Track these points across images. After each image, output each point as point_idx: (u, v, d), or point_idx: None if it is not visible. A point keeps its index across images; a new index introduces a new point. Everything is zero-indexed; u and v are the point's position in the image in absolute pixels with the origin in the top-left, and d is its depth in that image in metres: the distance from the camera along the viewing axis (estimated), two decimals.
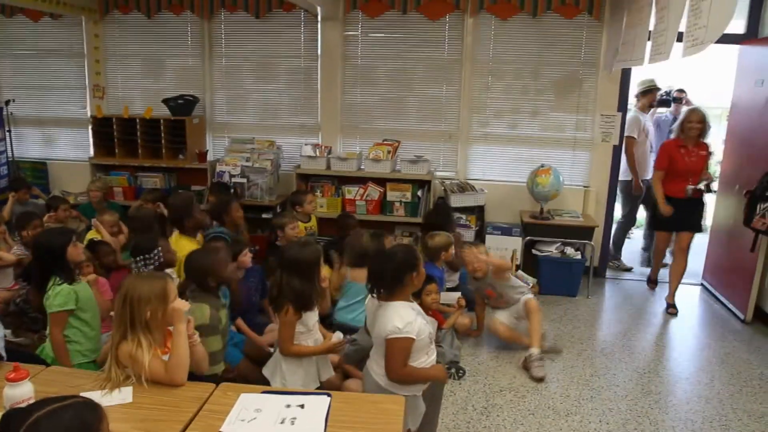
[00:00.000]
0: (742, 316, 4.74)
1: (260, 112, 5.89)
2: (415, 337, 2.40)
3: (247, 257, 3.68)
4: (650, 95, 5.63)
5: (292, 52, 5.70)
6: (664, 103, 6.12)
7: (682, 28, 3.41)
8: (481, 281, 4.12)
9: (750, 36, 5.10)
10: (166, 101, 5.61)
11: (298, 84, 5.76)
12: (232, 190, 5.20)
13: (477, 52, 5.43)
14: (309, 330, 2.82)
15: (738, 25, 5.15)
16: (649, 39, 4.04)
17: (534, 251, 5.15)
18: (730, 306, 4.95)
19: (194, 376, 2.23)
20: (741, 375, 3.84)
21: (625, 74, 5.31)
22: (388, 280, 2.49)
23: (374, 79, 5.65)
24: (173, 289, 2.24)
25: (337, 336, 2.90)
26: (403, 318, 2.41)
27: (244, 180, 5.40)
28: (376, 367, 2.55)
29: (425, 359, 2.49)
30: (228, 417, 1.88)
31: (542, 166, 5.14)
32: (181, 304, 2.20)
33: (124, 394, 2.02)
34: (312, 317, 2.84)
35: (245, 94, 5.88)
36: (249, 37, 5.70)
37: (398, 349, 2.40)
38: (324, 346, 2.86)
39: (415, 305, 2.57)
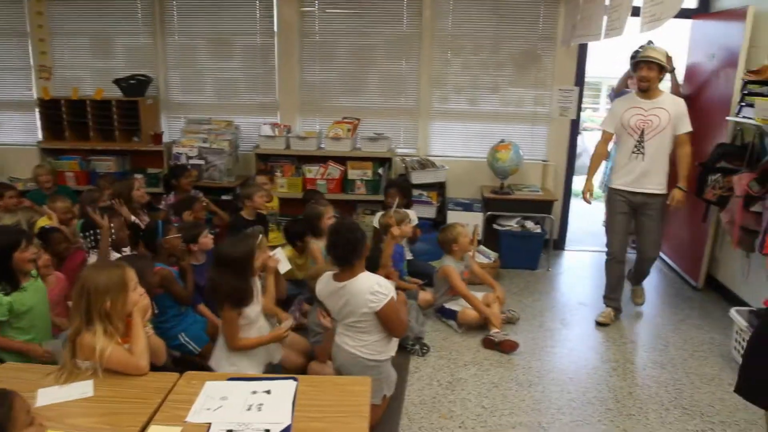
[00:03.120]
0: (694, 284, 4.92)
1: (217, 91, 5.76)
2: (394, 295, 2.63)
3: (207, 239, 3.63)
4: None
5: (248, 29, 5.56)
6: None
7: (639, 2, 3.46)
8: (459, 264, 4.15)
9: (702, 10, 5.20)
10: (117, 81, 5.43)
11: (255, 62, 5.65)
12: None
13: (436, 27, 5.40)
14: (251, 322, 2.78)
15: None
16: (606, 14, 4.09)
17: (495, 226, 5.21)
18: (684, 274, 5.12)
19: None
20: (693, 340, 3.99)
21: (582, 49, 5.36)
22: (352, 252, 2.62)
23: (333, 56, 5.58)
24: (132, 277, 2.19)
25: (286, 324, 2.90)
26: (376, 282, 2.61)
27: (202, 161, 5.31)
28: (350, 341, 2.70)
29: None
30: (193, 406, 1.86)
31: (502, 141, 5.18)
32: (137, 296, 2.17)
33: (84, 388, 1.98)
34: (254, 309, 2.78)
35: (200, 72, 5.74)
36: (202, 13, 5.54)
37: (393, 310, 2.63)
38: (270, 336, 2.83)
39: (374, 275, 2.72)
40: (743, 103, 4.04)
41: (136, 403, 1.91)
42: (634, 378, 3.51)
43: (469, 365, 3.58)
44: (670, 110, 3.82)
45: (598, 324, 4.17)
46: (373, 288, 2.57)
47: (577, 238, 6.11)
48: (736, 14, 4.54)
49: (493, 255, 4.94)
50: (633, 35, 3.85)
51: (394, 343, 2.84)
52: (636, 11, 3.59)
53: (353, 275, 2.61)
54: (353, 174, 5.34)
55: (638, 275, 4.39)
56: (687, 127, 3.89)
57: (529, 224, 5.17)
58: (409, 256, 4.59)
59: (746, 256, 4.24)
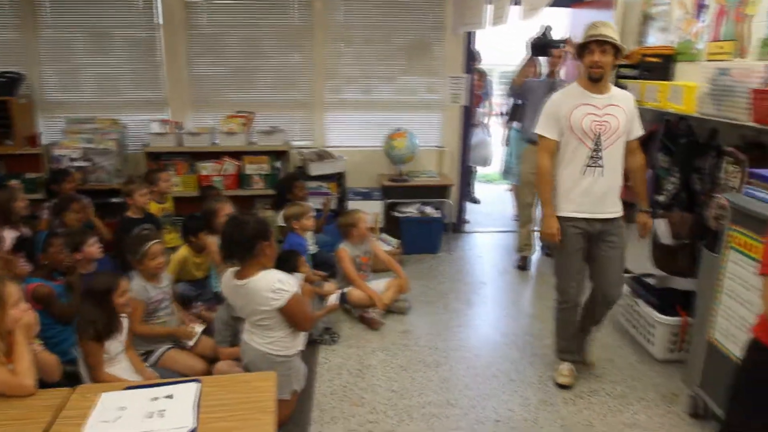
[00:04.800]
0: None
1: (99, 88, 5.43)
2: (296, 289, 2.59)
3: (94, 248, 3.43)
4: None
5: (129, 21, 5.27)
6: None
7: None
8: (358, 249, 4.18)
9: (578, 0, 5.51)
10: None
11: (139, 56, 5.37)
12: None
13: (327, 18, 5.38)
14: (111, 358, 2.65)
15: None
16: (491, 3, 4.25)
17: (395, 213, 5.30)
18: None
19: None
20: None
21: (470, 37, 5.53)
22: (240, 249, 2.57)
23: (223, 49, 5.42)
24: (12, 292, 2.04)
25: (197, 329, 2.84)
26: (277, 279, 2.56)
27: (87, 163, 5.01)
28: (256, 338, 2.67)
29: None
30: (88, 420, 1.77)
31: (397, 129, 5.26)
32: (19, 312, 2.02)
33: None
34: (114, 345, 2.66)
35: (79, 68, 5.37)
36: (78, 4, 5.19)
37: (297, 305, 2.61)
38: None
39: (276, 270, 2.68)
40: (617, 86, 4.32)
41: (24, 424, 1.78)
42: (533, 349, 3.70)
43: (377, 351, 3.64)
44: (624, 108, 2.98)
45: (561, 386, 3.26)
46: (274, 286, 2.53)
47: (475, 220, 6.36)
48: (607, 3, 4.85)
49: (395, 242, 5.03)
50: (515, 23, 4.03)
51: (302, 337, 2.83)
52: (518, 0, 3.77)
53: (254, 273, 2.57)
54: (250, 169, 5.23)
55: (589, 322, 3.35)
56: (640, 129, 3.10)
57: (428, 209, 5.30)
58: (313, 249, 4.57)
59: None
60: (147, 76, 5.42)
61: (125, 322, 2.76)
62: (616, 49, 2.88)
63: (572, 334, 3.31)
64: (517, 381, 3.33)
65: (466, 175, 6.85)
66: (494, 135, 6.84)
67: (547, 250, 5.15)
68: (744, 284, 2.57)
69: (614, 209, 3.07)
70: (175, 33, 5.27)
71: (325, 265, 4.46)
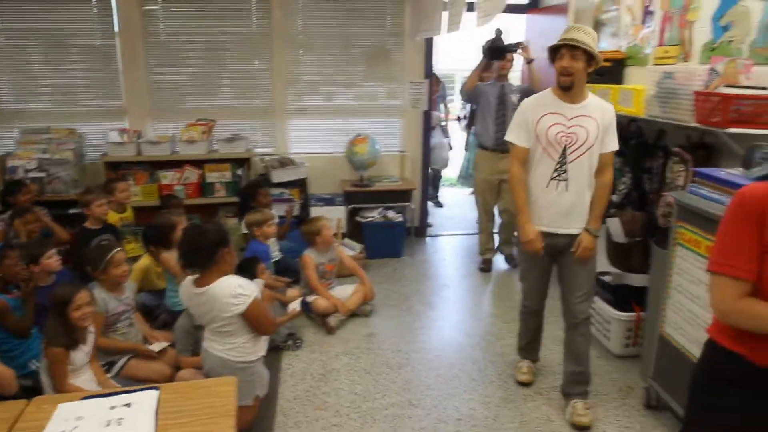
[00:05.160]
0: None
1: (55, 97, 5.33)
2: (257, 293, 2.62)
3: (52, 260, 3.37)
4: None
5: (85, 29, 5.20)
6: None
7: None
8: (323, 256, 4.20)
9: (533, 6, 5.65)
10: None
11: (96, 65, 5.29)
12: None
13: (286, 26, 5.40)
14: (76, 369, 2.62)
15: None
16: (446, 10, 4.33)
17: (358, 218, 5.33)
18: None
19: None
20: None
21: (429, 44, 5.61)
22: (201, 257, 2.56)
23: (182, 57, 5.38)
24: None
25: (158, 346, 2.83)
26: (237, 284, 2.57)
27: (43, 174, 4.91)
28: (217, 345, 2.66)
29: None
30: None
31: (358, 135, 5.31)
32: None
33: None
34: (79, 356, 2.64)
35: (33, 77, 5.26)
36: (31, 11, 5.09)
37: (258, 310, 2.61)
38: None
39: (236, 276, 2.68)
40: None
41: None
42: (495, 348, 3.77)
43: (341, 355, 3.66)
44: (597, 119, 2.76)
45: (521, 384, 3.32)
46: (234, 291, 2.54)
47: (439, 224, 6.44)
48: (561, 9, 4.99)
49: (358, 247, 5.06)
50: (471, 29, 4.10)
51: (263, 342, 2.83)
52: (472, 7, 3.86)
53: (213, 280, 2.57)
54: (211, 177, 5.20)
55: (568, 358, 3.10)
56: (614, 144, 2.85)
57: (391, 214, 5.35)
58: (277, 256, 4.57)
59: None
60: (105, 84, 5.35)
61: (91, 333, 2.73)
62: (591, 56, 2.67)
63: (534, 334, 3.37)
64: (479, 380, 3.39)
65: (435, 180, 7.02)
66: (453, 137, 6.95)
67: (510, 261, 5.22)
68: (691, 279, 2.68)
69: (581, 225, 2.90)
70: (132, 41, 5.22)
71: (289, 271, 4.47)
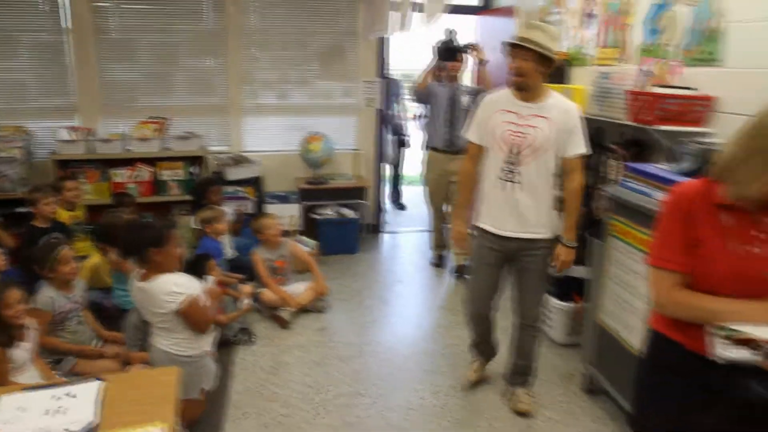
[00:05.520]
0: None
1: (1, 94, 5.23)
2: (194, 291, 2.66)
3: None
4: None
5: (34, 25, 5.12)
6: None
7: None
8: (272, 253, 4.25)
9: (484, 7, 5.80)
10: None
11: (45, 61, 5.21)
12: None
13: (241, 23, 5.41)
14: (17, 367, 2.60)
15: None
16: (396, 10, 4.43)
17: (313, 215, 5.39)
18: None
19: None
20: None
21: (383, 43, 5.70)
22: (133, 253, 2.66)
23: (134, 54, 5.34)
24: None
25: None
26: (173, 283, 2.62)
27: None
28: (162, 340, 2.71)
29: None
30: None
31: (313, 133, 5.36)
32: None
33: None
34: (18, 354, 2.61)
35: None
36: None
37: (193, 308, 2.65)
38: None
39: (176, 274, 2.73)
40: None
41: None
42: (445, 340, 3.88)
43: (293, 349, 3.72)
44: (555, 120, 2.64)
45: (472, 382, 3.32)
46: (169, 289, 2.59)
47: (394, 221, 6.54)
48: (508, 11, 5.14)
49: (312, 243, 5.11)
50: (421, 30, 4.20)
51: (208, 338, 2.87)
52: (422, 8, 3.96)
53: (152, 276, 2.62)
54: (165, 175, 5.18)
55: (515, 352, 3.15)
56: (579, 147, 2.70)
57: (345, 211, 5.43)
58: (231, 254, 4.59)
59: None
60: (55, 82, 5.27)
61: (31, 331, 2.72)
62: (543, 57, 2.56)
63: (480, 339, 3.25)
64: (429, 371, 3.49)
65: (395, 180, 7.06)
66: (412, 135, 7.03)
67: (457, 271, 5.11)
68: (624, 268, 2.83)
69: (536, 230, 2.78)
70: (84, 38, 5.16)
71: (243, 268, 4.49)
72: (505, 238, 2.82)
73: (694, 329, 1.58)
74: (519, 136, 2.67)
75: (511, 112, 2.70)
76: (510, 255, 2.87)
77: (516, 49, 2.58)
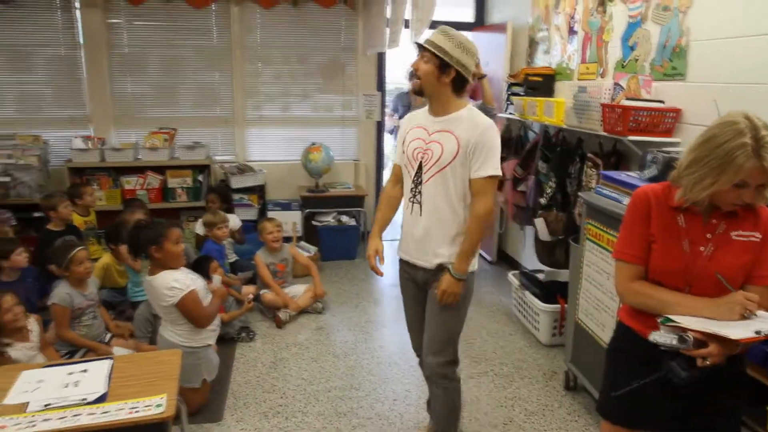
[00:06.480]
0: (489, 259, 5.71)
1: (20, 105, 5.52)
2: (193, 288, 2.90)
3: (21, 256, 3.61)
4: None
5: (50, 40, 5.41)
6: None
7: (408, 16, 4.06)
8: (274, 257, 4.48)
9: (478, 24, 6.04)
10: None
11: (61, 74, 5.51)
12: None
13: (245, 40, 5.69)
14: (25, 364, 2.77)
15: (468, 14, 6.07)
16: (388, 26, 4.68)
17: (314, 222, 5.62)
18: (481, 251, 5.89)
19: None
20: (484, 302, 4.68)
21: (381, 58, 5.96)
22: (137, 252, 2.95)
23: (145, 68, 5.63)
24: None
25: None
26: (172, 280, 2.85)
27: (8, 178, 5.09)
28: (167, 331, 2.96)
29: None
30: (9, 392, 2.00)
31: (313, 143, 5.61)
32: None
33: None
34: (21, 353, 2.84)
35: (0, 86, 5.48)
36: None
37: (190, 304, 2.88)
38: None
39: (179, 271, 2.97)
40: (509, 102, 4.81)
41: None
42: None
43: (291, 346, 3.93)
44: (460, 136, 2.28)
45: None
46: (170, 284, 2.85)
47: (391, 228, 6.72)
48: (500, 27, 5.37)
49: (313, 249, 5.34)
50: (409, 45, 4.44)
51: (209, 331, 3.09)
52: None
53: (157, 272, 2.89)
54: (173, 182, 5.45)
55: (432, 424, 2.82)
56: (486, 168, 2.29)
57: (345, 218, 5.66)
58: (233, 257, 4.83)
59: (521, 230, 5.06)
60: (69, 93, 5.56)
61: (33, 331, 2.95)
62: (443, 62, 2.25)
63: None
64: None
65: None
66: None
67: None
68: (597, 269, 3.03)
69: (438, 260, 2.41)
70: (97, 52, 5.45)
71: (244, 271, 4.74)
72: (413, 266, 2.51)
73: (645, 317, 1.78)
74: (425, 153, 2.35)
75: (421, 127, 2.41)
76: (421, 285, 2.54)
77: (420, 50, 2.32)
